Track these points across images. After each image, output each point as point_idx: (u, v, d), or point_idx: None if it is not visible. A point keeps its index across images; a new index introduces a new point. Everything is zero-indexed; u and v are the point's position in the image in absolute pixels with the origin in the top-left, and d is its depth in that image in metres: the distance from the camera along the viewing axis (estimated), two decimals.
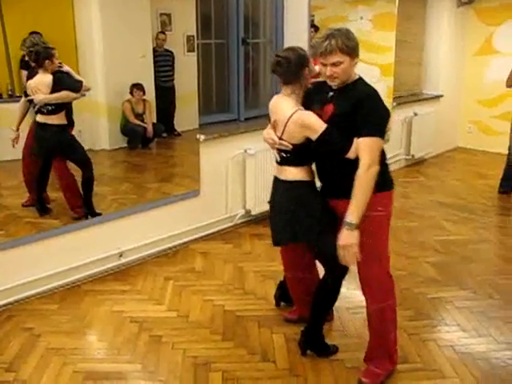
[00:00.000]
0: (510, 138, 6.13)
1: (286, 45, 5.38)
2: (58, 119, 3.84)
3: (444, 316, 3.53)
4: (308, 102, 2.81)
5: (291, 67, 2.77)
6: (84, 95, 3.93)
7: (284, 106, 2.82)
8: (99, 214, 4.07)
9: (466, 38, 8.04)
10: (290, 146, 2.78)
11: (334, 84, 2.66)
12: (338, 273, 2.90)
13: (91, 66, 4.15)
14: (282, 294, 3.52)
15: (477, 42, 7.97)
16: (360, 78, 2.71)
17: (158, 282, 3.95)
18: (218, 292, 3.81)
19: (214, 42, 5.12)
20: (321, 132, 2.64)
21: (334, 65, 2.57)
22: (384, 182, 2.69)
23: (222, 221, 4.91)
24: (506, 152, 6.20)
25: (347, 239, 2.58)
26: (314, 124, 2.67)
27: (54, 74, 3.76)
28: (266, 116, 5.37)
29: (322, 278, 3.01)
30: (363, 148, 2.56)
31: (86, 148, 4.16)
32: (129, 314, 3.50)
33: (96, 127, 4.35)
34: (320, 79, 2.86)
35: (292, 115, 2.74)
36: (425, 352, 3.12)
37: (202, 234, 4.75)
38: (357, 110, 2.57)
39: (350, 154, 2.61)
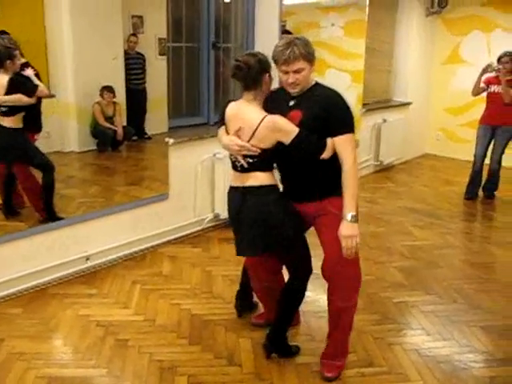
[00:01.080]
0: (476, 145, 6.28)
1: (257, 50, 5.42)
2: (11, 122, 3.73)
3: (409, 320, 3.58)
4: (267, 110, 2.76)
5: (251, 72, 2.71)
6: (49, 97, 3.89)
7: (250, 111, 2.77)
8: (61, 219, 4.02)
9: (435, 47, 8.20)
10: (259, 151, 2.74)
11: (294, 91, 2.71)
12: (302, 275, 2.95)
13: (61, 66, 4.11)
14: (242, 304, 3.52)
15: (445, 50, 8.14)
16: (317, 83, 2.77)
17: (125, 285, 3.92)
18: (186, 296, 3.80)
19: (184, 46, 5.12)
20: (295, 135, 2.63)
21: (297, 72, 2.63)
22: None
23: (190, 224, 4.90)
24: (472, 159, 6.34)
25: (350, 231, 2.68)
26: (288, 127, 2.66)
27: (11, 76, 3.67)
28: None
29: (286, 282, 3.02)
30: (343, 145, 2.66)
31: (54, 150, 4.12)
32: (95, 318, 3.46)
33: (65, 129, 4.30)
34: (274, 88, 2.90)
35: (263, 120, 2.69)
36: (390, 356, 3.16)
37: (171, 237, 4.73)
38: (329, 112, 2.64)
39: (326, 154, 2.68)
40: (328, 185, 2.79)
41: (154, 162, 5.00)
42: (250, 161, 2.79)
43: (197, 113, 5.31)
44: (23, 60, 3.73)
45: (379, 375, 2.98)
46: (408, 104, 7.87)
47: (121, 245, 4.32)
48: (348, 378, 2.93)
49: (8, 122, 3.73)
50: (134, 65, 4.70)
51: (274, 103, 2.78)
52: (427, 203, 6.15)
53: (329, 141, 2.67)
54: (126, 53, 4.56)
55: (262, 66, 2.76)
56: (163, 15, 4.54)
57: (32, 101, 3.74)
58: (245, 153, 2.77)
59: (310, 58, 2.63)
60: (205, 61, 5.14)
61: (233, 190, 2.95)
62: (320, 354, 3.03)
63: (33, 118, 3.87)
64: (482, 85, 6.07)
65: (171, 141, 4.54)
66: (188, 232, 4.88)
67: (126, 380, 2.86)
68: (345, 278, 2.82)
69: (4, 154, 3.87)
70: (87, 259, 4.09)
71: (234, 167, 2.89)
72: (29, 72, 3.73)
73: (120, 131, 4.65)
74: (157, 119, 4.84)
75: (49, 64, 4.03)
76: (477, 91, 6.15)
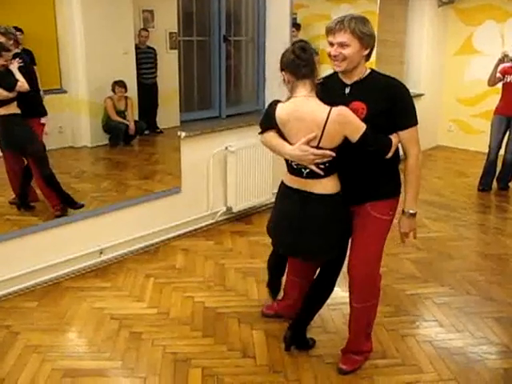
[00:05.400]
0: (490, 136, 6.23)
1: (268, 43, 5.41)
2: (4, 110, 3.73)
3: (423, 312, 3.57)
4: (321, 100, 2.54)
5: (313, 54, 2.52)
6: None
7: (313, 107, 2.49)
8: (82, 206, 4.06)
9: (447, 38, 8.12)
10: (334, 154, 2.49)
11: (338, 69, 2.53)
12: (332, 275, 2.93)
13: (73, 62, 4.13)
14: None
15: (457, 41, 8.06)
16: (374, 70, 2.62)
17: (138, 278, 3.95)
18: (199, 289, 3.82)
19: (195, 40, 5.12)
20: (363, 130, 2.43)
21: (341, 45, 2.45)
22: (397, 187, 2.76)
23: (203, 218, 4.91)
24: (486, 150, 6.29)
25: (410, 226, 2.77)
26: (357, 120, 2.44)
27: None
28: (248, 114, 5.41)
29: (316, 279, 2.98)
30: (410, 139, 2.58)
31: (67, 145, 4.14)
32: (109, 311, 3.49)
33: (77, 124, 4.32)
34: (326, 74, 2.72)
35: (329, 114, 2.43)
36: (403, 347, 3.15)
37: (184, 230, 4.75)
38: (395, 105, 2.51)
39: (391, 153, 2.56)
40: (373, 189, 2.69)
41: (166, 156, 5.02)
42: (322, 167, 2.54)
43: (208, 106, 5.31)
44: (16, 50, 3.71)
45: (393, 367, 2.98)
46: (420, 95, 7.80)
47: (134, 238, 4.35)
48: (361, 370, 2.93)
49: (1, 111, 3.73)
50: (145, 59, 4.71)
51: (328, 92, 2.56)
52: (440, 195, 6.12)
53: (393, 138, 2.55)
54: (137, 47, 4.57)
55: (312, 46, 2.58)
56: (174, 9, 4.54)
57: (11, 95, 3.70)
58: (320, 161, 2.53)
59: (360, 36, 2.43)
60: (216, 54, 5.13)
61: (289, 191, 2.69)
62: (333, 346, 3.06)
63: (32, 103, 3.83)
64: (498, 75, 6.01)
65: (183, 134, 4.55)
66: (201, 225, 4.90)
67: (140, 372, 2.88)
68: (365, 280, 2.79)
69: (7, 143, 3.85)
70: (101, 253, 4.12)
71: (297, 173, 2.63)
72: (13, 65, 3.71)
73: (132, 126, 4.67)
74: (168, 113, 4.85)
75: (60, 59, 4.05)
76: (493, 81, 6.10)
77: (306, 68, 2.51)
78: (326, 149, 2.49)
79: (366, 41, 2.49)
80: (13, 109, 3.76)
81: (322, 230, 2.67)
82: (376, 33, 6.66)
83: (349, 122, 2.44)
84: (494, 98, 6.30)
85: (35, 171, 3.98)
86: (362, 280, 2.78)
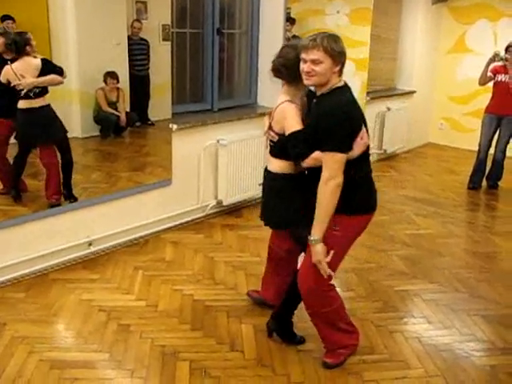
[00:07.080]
0: (481, 134, 6.26)
1: (262, 37, 5.40)
2: (43, 101, 3.80)
3: (411, 308, 3.59)
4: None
5: (294, 67, 2.67)
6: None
7: (280, 96, 2.90)
8: (76, 200, 4.08)
9: (440, 36, 8.15)
10: (276, 137, 2.86)
11: (308, 83, 2.62)
12: None
13: (65, 52, 4.09)
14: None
15: (450, 39, 8.10)
16: (339, 88, 2.61)
17: (127, 271, 3.93)
18: (188, 282, 3.81)
19: (189, 32, 5.09)
20: (292, 131, 2.71)
21: (314, 62, 2.52)
22: (349, 205, 2.69)
23: (193, 211, 4.90)
24: (477, 148, 6.32)
25: (315, 256, 2.64)
26: (292, 120, 2.74)
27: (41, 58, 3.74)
28: (240, 107, 5.41)
29: (293, 278, 2.98)
30: (324, 162, 2.56)
31: None
32: (97, 303, 3.48)
33: (68, 115, 4.28)
34: None
35: (280, 105, 2.83)
36: (391, 343, 3.17)
37: (173, 223, 4.74)
38: (318, 125, 2.56)
39: (303, 164, 2.70)
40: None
41: (157, 148, 4.99)
42: (271, 144, 2.95)
43: (200, 99, 5.29)
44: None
45: (380, 362, 2.99)
46: (412, 92, 7.84)
47: (123, 230, 4.33)
48: (349, 365, 2.94)
49: (40, 102, 3.79)
50: (138, 50, 4.68)
51: (310, 101, 2.75)
52: (430, 192, 6.15)
53: (316, 153, 2.61)
54: (129, 38, 4.53)
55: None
56: (167, 1, 4.51)
57: (63, 80, 3.81)
58: (266, 135, 2.96)
59: (332, 53, 2.50)
60: (209, 47, 5.11)
61: (266, 166, 3.08)
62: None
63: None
64: (489, 74, 6.04)
65: (175, 127, 4.53)
66: (191, 218, 4.89)
67: (127, 365, 2.88)
68: (311, 291, 2.79)
69: (37, 134, 3.90)
70: (90, 244, 4.10)
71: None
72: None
73: (123, 117, 4.64)
74: (160, 105, 4.82)
75: (52, 49, 4.01)
76: (484, 80, 6.13)
77: (287, 79, 2.89)
78: (273, 131, 2.88)
79: (338, 58, 2.56)
80: (46, 100, 3.84)
81: (270, 203, 3.02)
82: (370, 29, 6.69)
83: (286, 117, 2.77)
84: (485, 97, 6.33)
85: (50, 154, 4.01)
86: (308, 291, 2.80)
